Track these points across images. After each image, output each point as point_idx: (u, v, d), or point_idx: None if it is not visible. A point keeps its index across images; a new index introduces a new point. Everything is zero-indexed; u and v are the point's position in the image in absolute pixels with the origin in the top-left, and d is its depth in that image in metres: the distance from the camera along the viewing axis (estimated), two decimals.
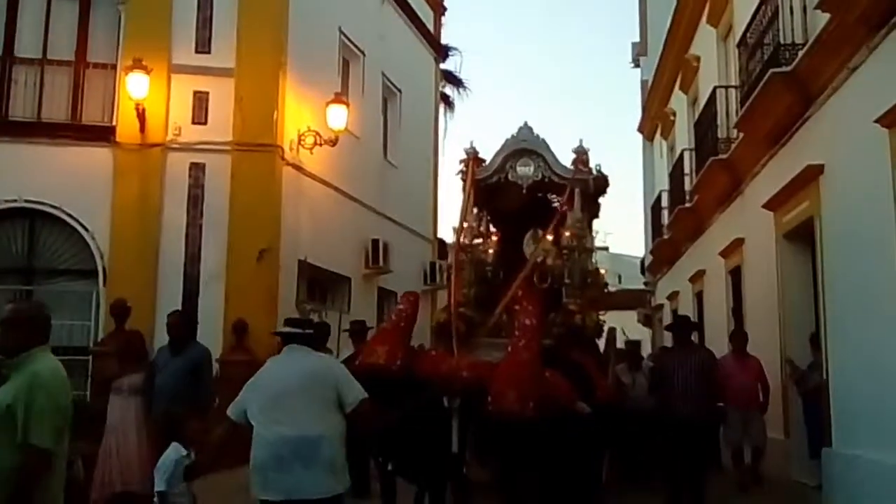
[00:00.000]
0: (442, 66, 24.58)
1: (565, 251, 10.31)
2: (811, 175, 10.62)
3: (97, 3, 14.39)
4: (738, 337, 12.02)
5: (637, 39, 30.19)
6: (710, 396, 9.62)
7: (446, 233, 20.01)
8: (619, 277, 37.29)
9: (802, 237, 11.51)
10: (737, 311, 15.26)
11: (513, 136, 10.60)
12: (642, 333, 25.39)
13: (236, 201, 13.71)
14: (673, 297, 22.49)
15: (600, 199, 11.51)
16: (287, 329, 5.86)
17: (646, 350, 16.90)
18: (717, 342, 15.04)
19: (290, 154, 14.59)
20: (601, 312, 10.76)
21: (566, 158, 10.54)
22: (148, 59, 13.41)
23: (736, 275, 15.39)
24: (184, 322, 8.97)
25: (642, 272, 28.87)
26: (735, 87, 14.35)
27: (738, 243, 14.89)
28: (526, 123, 10.71)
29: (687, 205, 18.25)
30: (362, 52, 17.76)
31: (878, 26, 8.47)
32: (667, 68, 21.73)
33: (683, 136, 20.12)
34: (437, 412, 7.18)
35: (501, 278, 10.64)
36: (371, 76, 18.28)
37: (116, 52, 14.04)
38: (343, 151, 15.70)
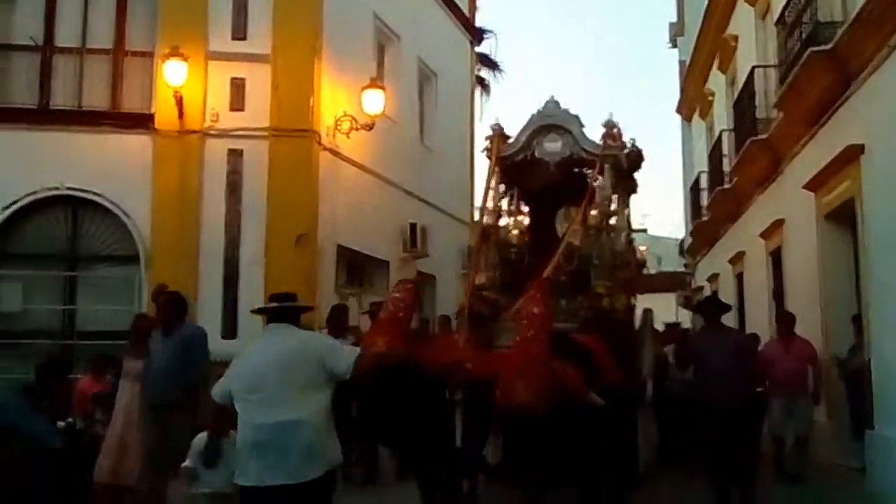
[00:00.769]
0: (477, 49, 24.54)
1: (592, 230, 9.88)
2: (852, 155, 10.51)
3: None
4: (784, 319, 11.51)
5: (674, 19, 29.95)
6: (748, 380, 9.07)
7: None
8: (659, 260, 37.12)
9: (844, 218, 11.40)
10: (778, 292, 15.15)
11: (539, 112, 10.18)
12: (682, 316, 25.27)
13: (274, 187, 13.80)
14: (713, 279, 22.36)
15: (636, 175, 11.06)
16: (268, 304, 5.74)
17: None
18: (758, 324, 14.97)
19: (326, 139, 14.65)
20: (635, 295, 10.42)
21: (599, 135, 10.05)
22: (185, 46, 13.50)
23: (776, 256, 15.27)
24: (173, 303, 8.73)
25: (682, 254, 28.69)
26: (774, 67, 14.21)
27: (778, 224, 14.77)
28: (552, 98, 10.25)
29: (726, 186, 18.12)
30: (397, 37, 17.77)
31: None
32: (704, 48, 21.53)
33: (722, 116, 19.96)
34: (438, 404, 6.91)
35: (528, 260, 10.29)
36: (407, 60, 18.29)
37: (154, 39, 14.16)
38: (380, 136, 15.73)
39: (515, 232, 10.74)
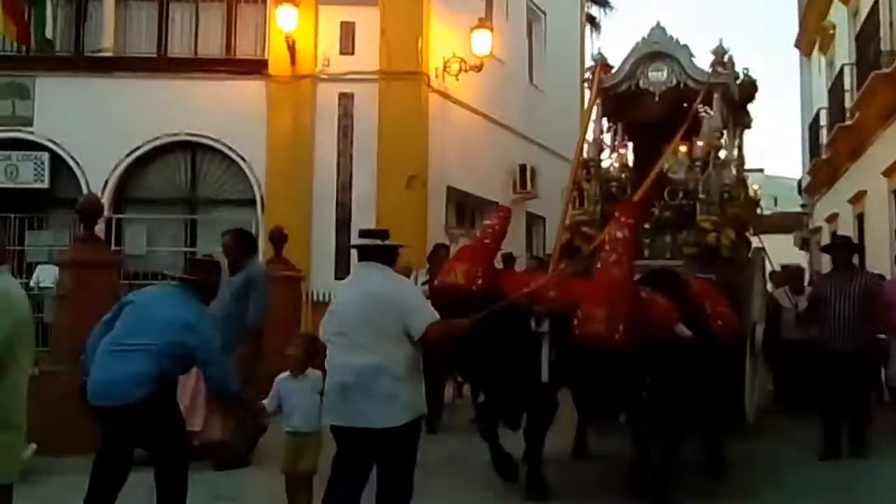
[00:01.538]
0: None
1: (697, 163, 9.34)
2: None
3: None
4: None
5: None
6: (872, 326, 8.54)
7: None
8: (775, 200, 36.16)
9: None
10: None
11: (643, 39, 9.56)
12: (799, 257, 24.65)
13: (384, 129, 13.97)
14: (832, 219, 21.67)
15: (749, 109, 10.59)
16: (360, 242, 5.48)
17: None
18: (880, 266, 14.48)
19: (435, 81, 14.70)
20: (747, 232, 9.91)
21: (708, 63, 9.47)
22: None
23: None
24: (237, 241, 8.26)
25: (799, 193, 27.87)
26: None
27: None
28: (658, 24, 9.63)
29: (847, 122, 17.47)
30: None
31: None
32: None
33: (843, 50, 19.18)
34: (522, 335, 6.27)
35: (629, 195, 9.57)
36: (515, 0, 18.09)
37: None
38: (488, 77, 15.68)
39: (616, 165, 10.32)
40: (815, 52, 24.17)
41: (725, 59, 9.45)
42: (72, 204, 11.05)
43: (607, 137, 10.32)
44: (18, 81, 14.31)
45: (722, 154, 9.67)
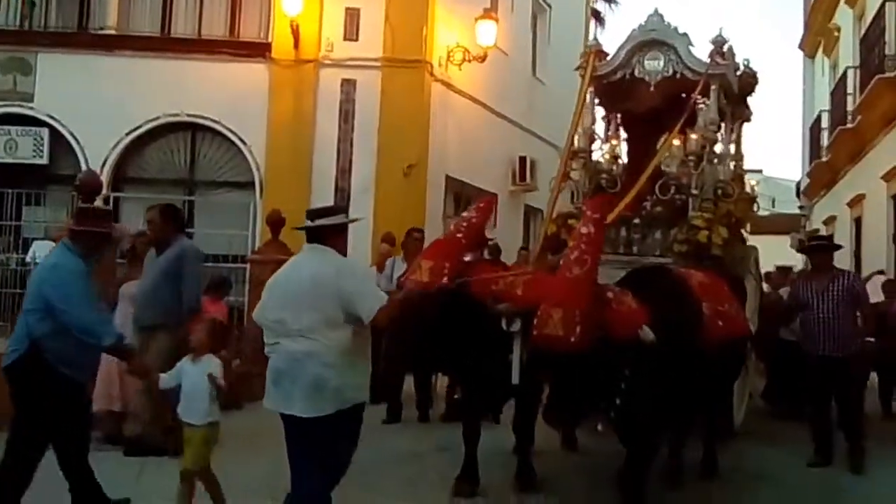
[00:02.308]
0: None
1: (691, 157, 9.01)
2: None
3: None
4: None
5: None
6: (858, 330, 8.08)
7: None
8: (773, 201, 36.17)
9: None
10: None
11: (640, 26, 9.28)
12: (795, 259, 24.68)
13: (386, 117, 13.95)
14: (829, 221, 21.71)
15: (749, 102, 10.31)
16: (313, 222, 5.15)
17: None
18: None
19: (438, 70, 14.66)
20: (741, 230, 9.61)
21: (707, 53, 9.19)
22: None
23: None
24: (164, 217, 7.74)
25: (798, 196, 27.89)
26: None
27: None
28: (656, 10, 9.32)
29: (849, 125, 17.49)
30: None
31: None
32: None
33: (848, 53, 19.20)
34: (490, 335, 5.88)
35: (620, 188, 9.45)
36: None
37: None
38: (492, 68, 15.63)
39: (607, 157, 10.01)
40: (819, 54, 24.19)
41: (725, 49, 9.18)
42: (70, 180, 11.05)
43: (601, 128, 10.09)
44: (20, 56, 14.26)
45: (718, 148, 9.41)
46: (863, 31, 16.60)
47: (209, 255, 13.62)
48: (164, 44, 14.35)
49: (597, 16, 27.72)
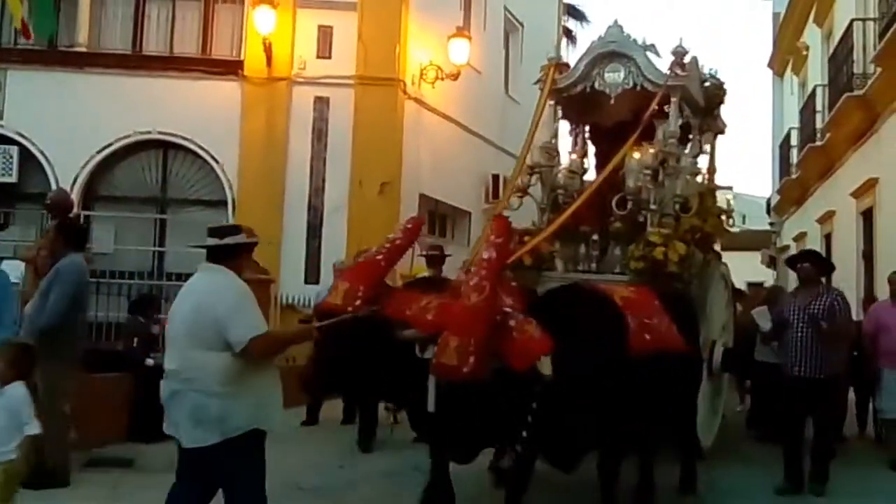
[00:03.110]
0: None
1: (646, 171, 8.63)
2: None
3: None
4: None
5: None
6: (837, 348, 7.73)
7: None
8: (744, 218, 36.46)
9: None
10: (867, 253, 14.80)
11: (600, 38, 9.10)
12: (766, 275, 24.86)
13: (359, 135, 13.94)
14: (800, 238, 21.91)
15: (720, 115, 9.97)
16: (221, 240, 4.99)
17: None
18: (846, 286, 14.63)
19: (411, 88, 14.68)
20: (707, 246, 9.20)
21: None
22: None
23: (868, 217, 14.90)
24: (56, 234, 7.55)
25: (768, 212, 28.12)
26: (874, 20, 13.76)
27: (871, 183, 14.39)
28: (616, 22, 9.17)
29: (818, 143, 17.67)
30: None
31: None
32: (800, 0, 20.88)
33: (816, 71, 19.42)
34: (407, 361, 5.65)
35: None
36: (493, 10, 18.12)
37: None
38: (464, 86, 15.68)
39: (564, 173, 9.63)
40: (788, 72, 24.44)
41: (686, 60, 8.94)
42: (40, 199, 10.90)
43: (567, 142, 9.89)
44: None
45: (683, 161, 9.07)
46: (831, 50, 16.79)
47: (181, 274, 13.60)
48: (136, 61, 14.24)
49: (568, 34, 27.91)
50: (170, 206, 14.36)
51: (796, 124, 20.92)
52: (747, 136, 71.20)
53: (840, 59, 15.34)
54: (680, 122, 9.16)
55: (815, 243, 19.42)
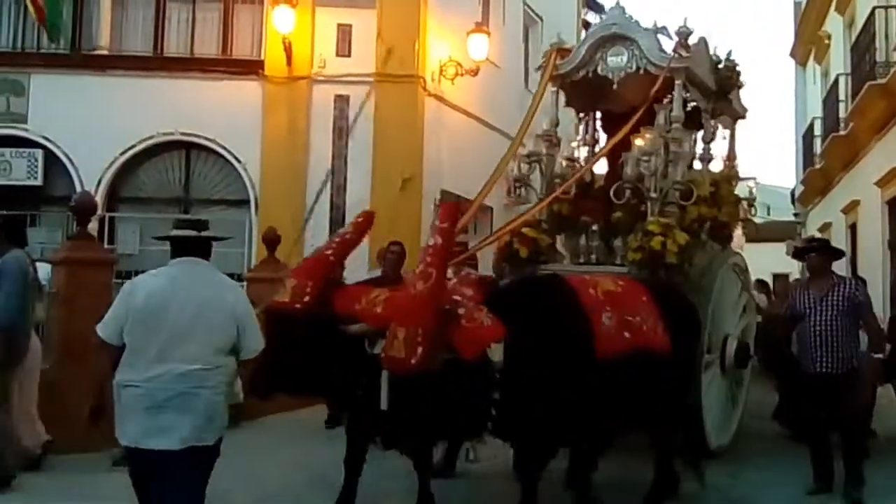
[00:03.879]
0: None
1: (645, 158, 8.23)
2: None
3: None
4: None
5: None
6: (857, 343, 7.29)
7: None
8: (768, 209, 36.24)
9: None
10: (893, 244, 14.68)
11: (601, 21, 8.97)
12: (791, 266, 24.70)
13: (379, 132, 13.98)
14: (824, 228, 21.74)
15: (734, 97, 9.53)
16: (178, 233, 4.82)
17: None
18: (872, 276, 14.53)
19: (431, 85, 14.69)
20: (731, 232, 8.98)
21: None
22: None
23: (893, 206, 14.78)
24: (1, 229, 7.31)
25: (792, 203, 27.94)
26: None
27: None
28: (618, 3, 8.79)
29: (841, 132, 17.53)
30: None
31: None
32: None
33: (839, 60, 19.25)
34: (356, 358, 5.47)
35: (574, 194, 8.99)
36: (512, 5, 18.09)
37: None
38: (484, 81, 15.68)
39: (563, 163, 9.37)
40: (811, 61, 24.26)
41: (693, 41, 8.58)
42: (65, 201, 11.00)
43: (568, 131, 9.63)
44: (13, 78, 14.25)
45: (686, 147, 8.75)
46: (853, 38, 16.66)
47: None
48: (157, 63, 14.35)
49: (587, 27, 27.79)
50: (193, 207, 14.44)
51: (819, 114, 20.78)
52: (771, 127, 70.59)
53: (862, 47, 15.23)
54: (689, 106, 8.84)
55: (840, 233, 19.29)
